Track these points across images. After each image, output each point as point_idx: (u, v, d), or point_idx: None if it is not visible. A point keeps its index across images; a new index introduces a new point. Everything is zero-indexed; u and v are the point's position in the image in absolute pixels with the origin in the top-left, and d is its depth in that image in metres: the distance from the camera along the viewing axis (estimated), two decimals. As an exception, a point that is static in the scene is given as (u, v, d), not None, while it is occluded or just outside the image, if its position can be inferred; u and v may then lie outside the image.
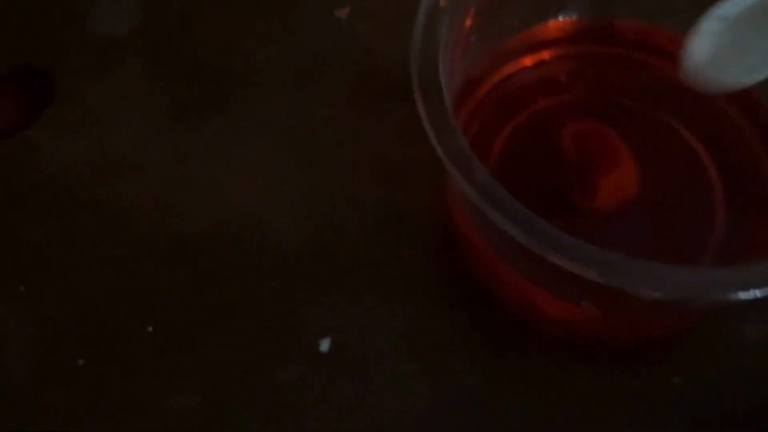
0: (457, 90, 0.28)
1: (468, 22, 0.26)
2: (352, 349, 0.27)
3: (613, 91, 0.29)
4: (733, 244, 0.26)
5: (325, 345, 0.27)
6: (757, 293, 0.20)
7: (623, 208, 0.28)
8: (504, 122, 0.29)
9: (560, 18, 0.29)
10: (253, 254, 0.29)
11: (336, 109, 0.31)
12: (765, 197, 0.27)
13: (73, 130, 0.31)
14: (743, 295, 0.20)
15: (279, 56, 0.32)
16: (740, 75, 0.23)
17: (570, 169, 0.28)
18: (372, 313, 0.28)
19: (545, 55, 0.29)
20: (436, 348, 0.27)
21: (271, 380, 0.26)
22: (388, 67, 0.32)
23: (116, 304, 0.28)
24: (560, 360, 0.27)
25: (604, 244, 0.26)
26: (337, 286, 0.28)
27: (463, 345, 0.27)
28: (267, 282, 0.28)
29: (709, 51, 0.23)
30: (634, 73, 0.29)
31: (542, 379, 0.27)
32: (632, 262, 0.20)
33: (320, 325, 0.27)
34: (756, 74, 0.23)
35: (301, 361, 0.27)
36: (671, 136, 0.28)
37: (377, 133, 0.31)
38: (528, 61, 0.29)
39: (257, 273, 0.28)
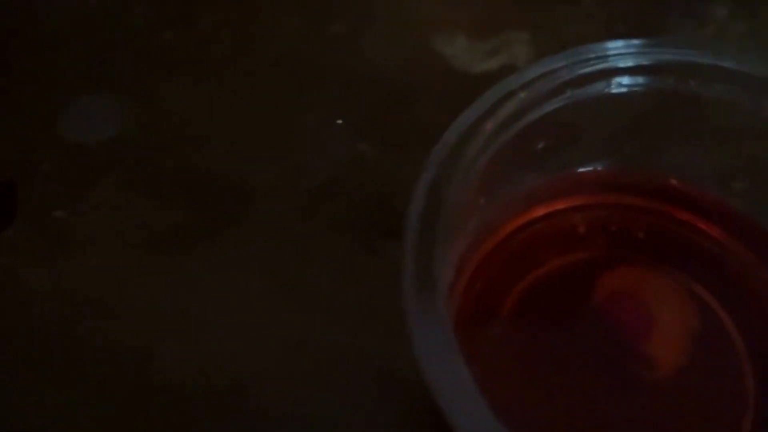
0: (464, 250, 0.25)
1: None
2: None
3: (636, 248, 0.26)
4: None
5: None
6: None
7: (646, 379, 0.25)
8: (516, 277, 0.26)
9: (580, 170, 0.26)
10: (231, 416, 0.25)
11: (335, 246, 0.28)
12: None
13: (36, 257, 0.28)
14: None
15: (275, 178, 0.29)
16: None
17: (590, 332, 0.25)
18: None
19: (560, 205, 0.26)
20: None
21: None
22: (395, 195, 0.29)
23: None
24: None
25: (622, 418, 0.24)
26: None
27: None
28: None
29: None
30: (656, 228, 0.26)
31: None
32: None
33: None
34: None
35: None
36: (695, 302, 0.25)
37: (378, 278, 0.27)
38: (542, 210, 0.26)
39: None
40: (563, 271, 0.26)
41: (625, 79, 0.23)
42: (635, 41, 0.22)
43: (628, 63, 0.22)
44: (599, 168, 0.26)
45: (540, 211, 0.26)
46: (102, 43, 0.33)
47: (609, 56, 0.22)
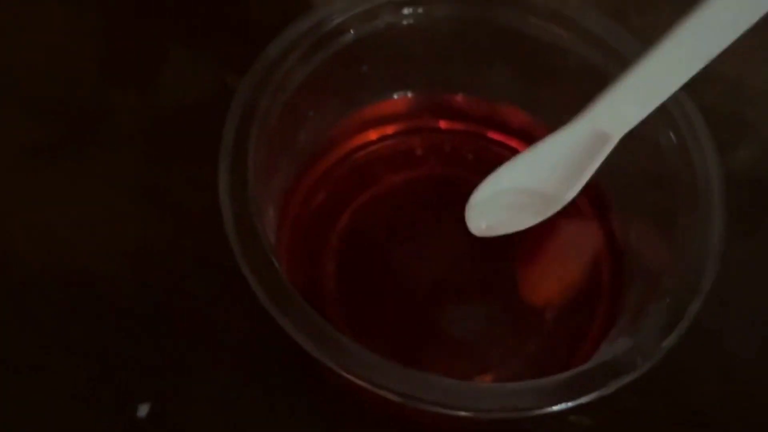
0: (301, 161, 0.28)
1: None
2: (171, 415, 0.26)
3: (459, 166, 0.29)
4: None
5: (143, 411, 0.26)
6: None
7: (464, 290, 0.27)
8: (351, 196, 0.28)
9: (396, 96, 0.29)
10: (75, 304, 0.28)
11: (191, 164, 0.30)
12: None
13: None
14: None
15: (139, 106, 0.32)
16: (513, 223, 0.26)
17: (414, 243, 0.28)
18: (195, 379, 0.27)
19: (389, 129, 0.29)
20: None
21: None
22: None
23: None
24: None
25: (439, 324, 0.26)
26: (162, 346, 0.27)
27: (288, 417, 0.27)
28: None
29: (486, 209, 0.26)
30: (476, 148, 0.29)
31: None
32: (424, 380, 0.20)
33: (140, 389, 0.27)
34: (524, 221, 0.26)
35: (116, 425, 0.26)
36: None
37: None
38: (373, 135, 0.29)
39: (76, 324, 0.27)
40: (393, 189, 0.29)
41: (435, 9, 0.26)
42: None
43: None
44: (420, 93, 0.29)
45: (373, 135, 0.29)
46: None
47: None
